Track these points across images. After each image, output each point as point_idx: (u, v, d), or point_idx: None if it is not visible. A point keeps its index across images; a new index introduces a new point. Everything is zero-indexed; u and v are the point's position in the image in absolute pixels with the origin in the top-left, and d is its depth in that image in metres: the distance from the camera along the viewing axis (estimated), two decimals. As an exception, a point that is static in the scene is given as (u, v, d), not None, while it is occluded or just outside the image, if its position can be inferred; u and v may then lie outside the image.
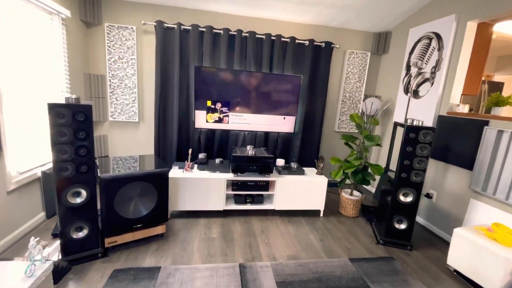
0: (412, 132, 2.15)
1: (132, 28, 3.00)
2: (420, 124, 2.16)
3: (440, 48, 2.63)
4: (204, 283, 1.70)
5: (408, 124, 2.17)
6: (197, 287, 1.67)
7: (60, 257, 1.81)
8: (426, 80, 2.78)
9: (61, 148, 1.66)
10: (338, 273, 1.91)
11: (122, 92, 3.13)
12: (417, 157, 2.18)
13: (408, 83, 3.03)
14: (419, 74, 2.88)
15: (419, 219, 2.87)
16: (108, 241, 1.96)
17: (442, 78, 2.60)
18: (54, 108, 1.61)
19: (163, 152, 3.26)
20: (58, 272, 1.68)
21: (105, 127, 3.22)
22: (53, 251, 1.94)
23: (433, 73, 2.70)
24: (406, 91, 3.06)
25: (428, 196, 2.73)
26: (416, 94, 2.91)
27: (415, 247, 2.38)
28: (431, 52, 2.73)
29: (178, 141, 3.21)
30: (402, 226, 2.31)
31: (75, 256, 1.83)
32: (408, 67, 3.04)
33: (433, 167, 2.72)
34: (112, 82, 3.09)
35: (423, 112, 2.79)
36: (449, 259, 2.04)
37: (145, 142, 3.33)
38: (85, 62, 2.98)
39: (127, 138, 3.29)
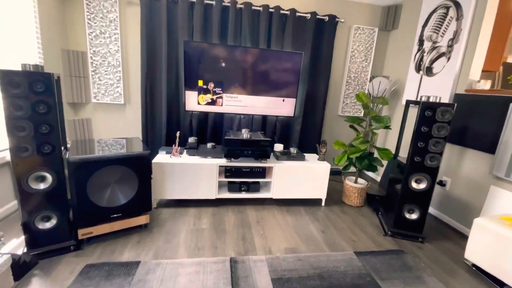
0: (429, 110, 1.88)
1: (114, -2, 2.70)
2: (437, 101, 1.89)
3: (459, 18, 2.33)
4: (189, 281, 1.48)
5: (424, 101, 1.90)
6: (180, 285, 1.45)
7: (25, 250, 1.59)
8: (441, 55, 2.49)
9: (17, 124, 1.41)
10: (342, 269, 1.68)
11: (106, 71, 2.85)
12: (433, 138, 1.91)
13: (421, 59, 2.73)
14: (433, 48, 2.58)
15: (430, 209, 2.64)
16: (82, 233, 1.73)
17: (460, 51, 2.31)
18: (6, 76, 1.35)
19: (151, 137, 3.01)
20: (21, 267, 1.46)
21: (88, 110, 2.96)
22: (20, 244, 1.72)
23: (450, 46, 2.41)
24: (418, 68, 2.77)
25: (441, 183, 2.49)
26: (429, 71, 2.62)
27: (427, 239, 2.14)
28: (448, 22, 2.43)
29: (168, 125, 2.95)
30: (414, 216, 2.08)
31: (43, 250, 1.60)
32: (421, 42, 2.74)
33: (447, 152, 2.46)
34: (94, 60, 2.80)
35: (437, 90, 2.51)
36: (467, 253, 1.81)
37: (132, 126, 3.07)
38: (63, 37, 2.69)
39: (113, 122, 3.03)
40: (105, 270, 1.52)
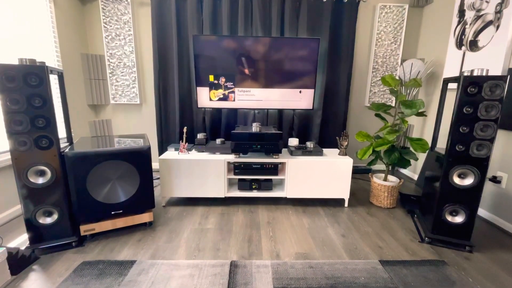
0: (472, 85, 1.52)
1: (126, 0, 2.74)
2: (484, 74, 1.52)
3: (510, -24, 1.90)
4: (180, 284, 1.33)
5: (465, 75, 1.54)
6: (171, 288, 1.31)
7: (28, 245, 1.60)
8: (488, 24, 2.06)
9: (14, 118, 1.41)
10: (362, 280, 1.40)
11: (122, 72, 2.91)
12: (480, 121, 1.54)
13: (462, 33, 2.30)
14: (477, 18, 2.15)
15: (481, 211, 2.17)
16: (84, 229, 1.70)
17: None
18: (1, 70, 1.36)
19: (166, 135, 2.99)
20: (19, 262, 1.45)
21: (108, 111, 3.05)
22: (26, 240, 1.74)
23: (498, 12, 1.97)
24: (460, 44, 2.34)
25: (495, 180, 2.03)
26: (474, 45, 2.19)
27: (477, 248, 1.73)
28: (496, -16, 2.00)
29: (181, 123, 2.90)
30: (458, 219, 1.69)
31: (45, 245, 1.60)
32: (461, 13, 2.31)
33: (502, 140, 2.00)
34: (111, 62, 2.88)
35: (485, 67, 2.07)
36: (534, 267, 1.40)
37: (149, 125, 3.09)
38: (83, 42, 2.81)
39: (131, 122, 3.09)
40: (98, 268, 1.45)
